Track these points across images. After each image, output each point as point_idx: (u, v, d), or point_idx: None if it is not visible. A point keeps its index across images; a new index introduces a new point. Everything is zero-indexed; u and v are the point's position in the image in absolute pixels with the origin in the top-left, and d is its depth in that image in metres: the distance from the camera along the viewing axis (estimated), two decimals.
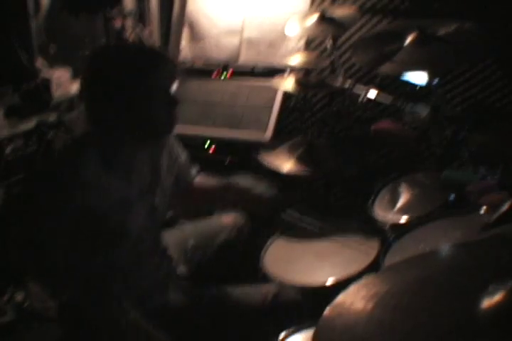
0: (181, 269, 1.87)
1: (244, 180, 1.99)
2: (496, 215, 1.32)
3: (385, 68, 1.88)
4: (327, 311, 0.83)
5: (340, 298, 0.86)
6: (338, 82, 2.41)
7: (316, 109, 2.92)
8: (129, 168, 1.62)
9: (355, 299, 0.84)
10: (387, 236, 1.86)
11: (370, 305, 0.81)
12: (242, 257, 1.98)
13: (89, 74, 1.58)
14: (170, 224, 2.08)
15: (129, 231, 1.60)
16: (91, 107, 1.58)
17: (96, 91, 1.54)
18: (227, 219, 2.07)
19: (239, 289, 1.76)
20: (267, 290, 1.74)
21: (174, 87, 1.60)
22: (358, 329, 0.78)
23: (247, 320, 1.68)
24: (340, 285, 1.72)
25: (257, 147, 2.46)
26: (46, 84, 2.43)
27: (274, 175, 2.27)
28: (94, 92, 1.55)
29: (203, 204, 2.07)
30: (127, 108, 1.53)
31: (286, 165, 2.28)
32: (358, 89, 2.35)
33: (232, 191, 1.95)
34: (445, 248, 0.99)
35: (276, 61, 2.67)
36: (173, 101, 1.60)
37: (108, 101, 1.52)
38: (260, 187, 1.97)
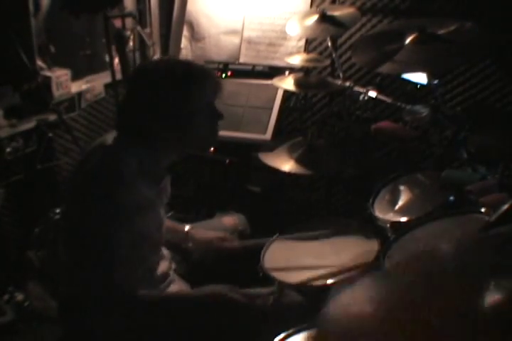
0: (181, 271, 1.87)
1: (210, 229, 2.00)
2: (495, 215, 1.32)
3: (385, 68, 1.88)
4: (326, 312, 0.83)
5: (339, 299, 0.86)
6: (338, 82, 2.41)
7: (316, 109, 2.92)
8: (158, 181, 1.64)
9: (354, 300, 0.84)
10: (387, 236, 1.86)
11: (369, 306, 0.81)
12: (242, 257, 1.98)
13: (136, 86, 1.58)
14: None
15: (145, 235, 1.61)
16: (135, 119, 1.57)
17: (143, 104, 1.54)
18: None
19: (240, 290, 1.76)
20: (268, 292, 1.74)
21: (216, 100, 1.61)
22: (357, 331, 0.78)
23: (247, 321, 1.68)
24: (340, 286, 1.73)
25: (257, 147, 2.46)
26: (46, 84, 2.43)
27: (274, 175, 2.27)
28: (140, 105, 1.55)
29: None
30: (172, 121, 1.53)
31: (286, 165, 2.29)
32: (358, 89, 2.35)
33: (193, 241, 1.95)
34: (444, 248, 0.99)
35: (276, 61, 2.68)
36: (216, 115, 1.61)
37: (154, 113, 1.52)
38: (217, 234, 1.97)
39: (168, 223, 1.90)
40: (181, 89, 1.53)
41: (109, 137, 1.60)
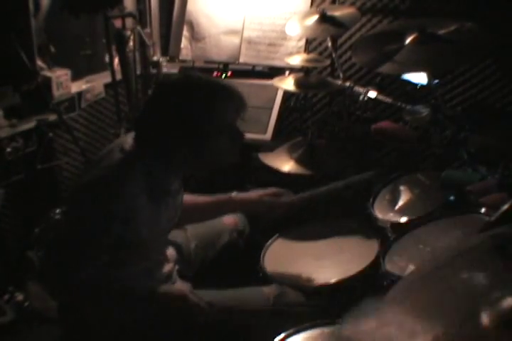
0: (183, 270, 1.87)
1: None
2: (495, 215, 1.32)
3: (385, 68, 1.88)
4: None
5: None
6: (338, 82, 2.41)
7: (316, 109, 2.92)
8: (164, 197, 1.62)
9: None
10: (387, 236, 1.86)
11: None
12: (242, 257, 1.98)
13: (159, 101, 1.56)
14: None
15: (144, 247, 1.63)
16: (155, 133, 1.54)
17: (165, 121, 1.51)
18: (228, 221, 2.07)
19: (240, 290, 1.76)
20: (268, 292, 1.74)
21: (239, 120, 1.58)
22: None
23: (247, 321, 1.68)
24: (340, 286, 1.73)
25: (257, 147, 2.46)
26: (46, 84, 2.43)
27: (274, 175, 2.27)
28: (162, 121, 1.52)
29: (200, 220, 1.99)
30: (192, 140, 1.51)
31: (286, 165, 2.29)
32: (358, 89, 2.35)
33: (229, 204, 1.90)
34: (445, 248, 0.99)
35: (276, 61, 2.67)
36: (238, 136, 1.59)
37: (175, 130, 1.50)
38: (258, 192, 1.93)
39: (208, 200, 1.87)
40: (204, 109, 1.50)
41: (129, 140, 1.58)
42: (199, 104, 1.50)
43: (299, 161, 2.29)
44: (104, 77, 2.74)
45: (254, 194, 1.91)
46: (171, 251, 1.86)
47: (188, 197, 1.84)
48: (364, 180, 1.91)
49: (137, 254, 1.63)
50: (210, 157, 1.57)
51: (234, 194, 1.90)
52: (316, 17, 2.32)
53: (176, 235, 1.95)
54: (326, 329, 1.45)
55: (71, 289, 1.55)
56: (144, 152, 1.55)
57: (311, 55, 2.47)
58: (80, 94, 2.64)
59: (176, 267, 1.84)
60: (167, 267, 1.76)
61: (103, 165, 1.55)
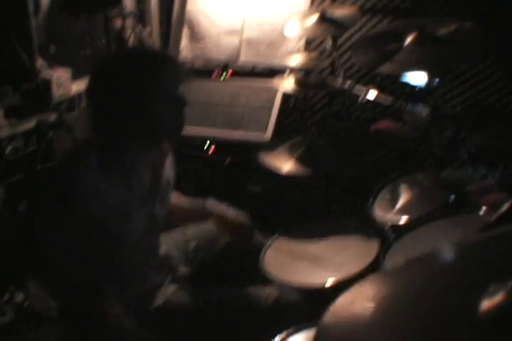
0: (183, 271, 1.87)
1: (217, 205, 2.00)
2: (495, 215, 1.32)
3: (385, 68, 1.88)
4: (327, 314, 0.83)
5: (340, 300, 0.86)
6: (338, 82, 2.41)
7: (316, 109, 2.92)
8: (129, 175, 1.60)
9: (355, 302, 0.84)
10: (387, 236, 1.86)
11: (370, 308, 0.81)
12: (242, 258, 1.98)
13: (95, 78, 1.59)
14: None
15: (127, 237, 1.61)
16: (96, 109, 1.59)
17: (103, 94, 1.56)
18: None
19: (240, 291, 1.76)
20: (268, 292, 1.74)
21: (181, 88, 1.61)
22: (358, 333, 0.78)
23: (247, 322, 1.68)
24: (340, 286, 1.73)
25: (257, 147, 2.46)
26: (46, 84, 2.43)
27: (274, 175, 2.27)
28: (101, 95, 1.56)
29: (180, 222, 2.01)
30: (134, 110, 1.53)
31: (286, 165, 2.29)
32: (358, 89, 2.35)
33: (208, 214, 1.95)
34: (445, 249, 0.99)
35: (276, 61, 2.68)
36: (180, 102, 1.60)
37: (115, 103, 1.53)
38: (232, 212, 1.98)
39: (186, 204, 1.91)
40: (147, 78, 1.53)
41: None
42: (141, 74, 1.53)
43: (298, 161, 2.29)
44: None
45: (230, 214, 1.96)
46: (170, 250, 1.86)
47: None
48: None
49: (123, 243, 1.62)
50: (160, 125, 1.59)
51: (210, 202, 1.95)
52: (316, 17, 2.32)
53: (174, 235, 1.96)
54: None
55: (71, 287, 1.55)
56: (98, 131, 1.59)
57: (311, 55, 2.47)
58: (80, 94, 2.64)
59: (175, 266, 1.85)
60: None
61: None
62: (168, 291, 1.74)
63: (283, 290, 1.75)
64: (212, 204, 1.97)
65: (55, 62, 2.50)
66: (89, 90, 1.61)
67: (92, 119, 1.59)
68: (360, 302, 0.83)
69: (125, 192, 1.58)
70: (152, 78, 1.53)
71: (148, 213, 1.67)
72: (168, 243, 1.90)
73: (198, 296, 1.74)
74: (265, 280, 1.84)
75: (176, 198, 1.92)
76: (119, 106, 1.52)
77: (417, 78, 2.21)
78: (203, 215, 1.96)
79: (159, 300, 1.71)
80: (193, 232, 2.01)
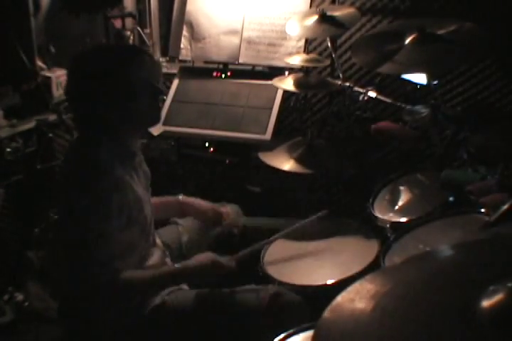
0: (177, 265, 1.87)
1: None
2: (495, 215, 1.32)
3: (385, 68, 1.88)
4: (326, 312, 0.83)
5: (340, 298, 0.86)
6: (338, 82, 2.41)
7: (316, 109, 2.92)
8: (134, 161, 1.71)
9: (355, 299, 0.84)
10: (387, 236, 1.86)
11: (370, 306, 0.81)
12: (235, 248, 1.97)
13: (71, 76, 1.64)
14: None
15: (144, 223, 1.69)
16: (77, 107, 1.66)
17: (81, 93, 1.61)
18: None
19: (238, 290, 1.76)
20: (266, 291, 1.73)
21: (156, 79, 1.66)
22: (357, 330, 0.78)
23: (245, 322, 1.68)
24: (340, 286, 1.73)
25: (257, 147, 2.46)
26: (46, 84, 2.43)
27: (274, 175, 2.27)
28: (78, 92, 1.62)
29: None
30: (115, 102, 1.59)
31: (286, 165, 2.29)
32: (358, 89, 2.35)
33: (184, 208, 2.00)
34: (444, 248, 0.99)
35: (276, 61, 2.67)
36: (156, 91, 1.65)
37: (93, 97, 1.58)
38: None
39: (156, 200, 1.93)
40: (119, 71, 1.58)
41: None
42: (113, 66, 1.59)
43: (298, 160, 2.29)
44: None
45: (203, 204, 2.00)
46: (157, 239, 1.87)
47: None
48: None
49: (137, 230, 1.66)
50: (137, 115, 1.64)
51: (181, 197, 2.00)
52: (315, 17, 2.32)
53: (166, 230, 2.00)
54: None
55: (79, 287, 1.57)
56: (88, 133, 1.64)
57: (311, 55, 2.46)
58: None
59: (170, 264, 1.84)
60: (156, 256, 1.78)
61: (69, 159, 1.69)
62: (165, 291, 1.74)
63: (283, 291, 1.74)
64: (185, 198, 2.01)
65: (55, 62, 2.50)
66: (67, 89, 1.66)
67: (75, 117, 1.68)
68: (360, 300, 0.83)
69: (137, 179, 1.68)
70: (125, 69, 1.58)
71: (148, 200, 1.77)
72: (162, 238, 1.91)
73: (195, 297, 1.74)
74: (265, 280, 1.84)
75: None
76: (98, 100, 1.57)
77: (417, 76, 2.21)
78: (179, 209, 2.01)
79: (157, 299, 1.71)
80: (184, 225, 2.03)
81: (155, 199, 1.90)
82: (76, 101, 1.65)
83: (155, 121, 1.74)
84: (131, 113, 1.62)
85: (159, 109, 1.72)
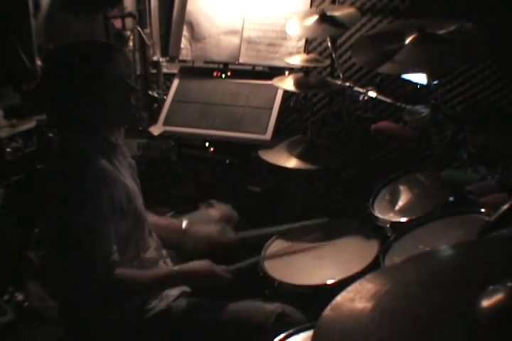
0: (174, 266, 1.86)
1: (197, 221, 2.03)
2: (495, 215, 1.32)
3: (385, 68, 1.88)
4: (326, 311, 0.83)
5: (340, 298, 0.86)
6: (338, 82, 2.41)
7: (316, 109, 2.92)
8: (118, 154, 1.73)
9: (355, 299, 0.84)
10: (387, 236, 1.86)
11: (370, 305, 0.81)
12: (241, 257, 1.98)
13: (45, 75, 1.68)
14: None
15: (137, 213, 1.70)
16: (52, 105, 1.68)
17: (58, 93, 1.62)
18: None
19: (245, 305, 1.75)
20: (271, 309, 1.70)
21: (129, 75, 1.69)
22: (357, 330, 0.78)
23: (249, 339, 1.67)
24: (340, 286, 1.73)
25: (257, 147, 2.46)
26: None
27: (274, 175, 2.27)
28: (53, 90, 1.64)
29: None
30: (90, 100, 1.60)
31: (286, 162, 2.29)
32: (358, 89, 2.35)
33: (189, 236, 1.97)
34: (444, 248, 0.99)
35: (276, 61, 2.67)
36: (129, 89, 1.66)
37: (73, 96, 1.59)
38: (215, 228, 1.99)
39: (162, 221, 1.96)
40: (92, 69, 1.58)
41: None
42: (86, 63, 1.59)
43: (299, 158, 2.29)
44: None
45: (203, 231, 1.97)
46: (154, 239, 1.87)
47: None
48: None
49: (132, 224, 1.67)
50: (113, 115, 1.66)
51: (185, 224, 1.98)
52: (315, 17, 2.32)
53: (171, 235, 1.97)
54: None
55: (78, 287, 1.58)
56: (70, 133, 1.66)
57: (311, 55, 2.46)
58: None
59: (170, 264, 1.84)
60: (151, 251, 1.78)
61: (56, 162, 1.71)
62: (170, 297, 1.74)
63: (288, 310, 1.71)
64: (189, 224, 1.99)
65: None
66: (42, 88, 1.71)
67: (51, 117, 1.72)
68: (359, 299, 0.83)
69: (123, 170, 1.70)
70: (98, 66, 1.58)
71: (137, 190, 1.78)
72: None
73: (200, 307, 1.74)
74: (265, 280, 1.84)
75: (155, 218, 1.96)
76: (72, 97, 1.58)
77: (417, 76, 2.21)
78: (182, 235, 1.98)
79: (162, 304, 1.71)
80: (190, 228, 2.02)
81: (160, 221, 1.94)
82: (53, 101, 1.66)
83: (129, 118, 1.75)
84: (105, 111, 1.63)
85: (133, 107, 1.72)
